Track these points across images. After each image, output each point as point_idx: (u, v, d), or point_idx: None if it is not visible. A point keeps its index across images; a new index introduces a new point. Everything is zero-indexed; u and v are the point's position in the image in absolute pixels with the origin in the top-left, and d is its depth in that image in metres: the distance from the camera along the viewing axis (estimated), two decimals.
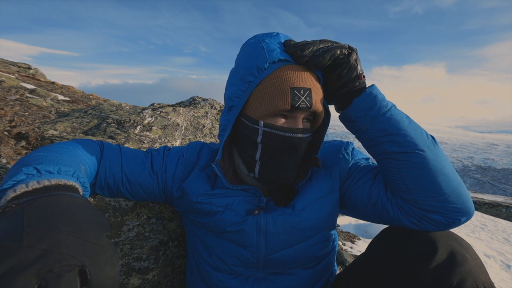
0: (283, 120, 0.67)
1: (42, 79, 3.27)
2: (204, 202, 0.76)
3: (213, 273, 0.79)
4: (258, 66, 0.66)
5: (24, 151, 1.23)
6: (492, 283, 0.56)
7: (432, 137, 0.68)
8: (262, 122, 0.67)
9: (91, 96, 3.08)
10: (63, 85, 3.17)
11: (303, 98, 0.63)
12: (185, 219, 0.88)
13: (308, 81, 0.65)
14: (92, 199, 0.79)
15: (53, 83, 3.16)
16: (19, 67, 3.98)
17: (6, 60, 4.00)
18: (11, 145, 1.24)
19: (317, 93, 0.67)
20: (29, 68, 4.12)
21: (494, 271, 2.33)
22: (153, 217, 0.90)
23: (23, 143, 1.28)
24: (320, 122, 0.73)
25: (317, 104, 0.66)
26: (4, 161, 1.16)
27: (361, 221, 3.55)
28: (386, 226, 0.77)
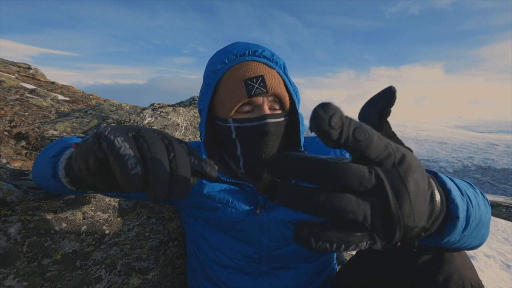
0: (249, 112, 0.71)
1: (42, 79, 3.27)
2: (205, 195, 0.77)
3: (218, 269, 0.79)
4: (212, 69, 0.73)
5: (24, 151, 1.23)
6: (479, 280, 0.55)
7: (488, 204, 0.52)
8: (231, 119, 0.71)
9: (91, 96, 3.08)
10: (63, 85, 3.17)
11: (256, 85, 0.68)
12: (185, 216, 0.89)
13: (259, 69, 0.70)
14: (93, 199, 0.79)
15: (53, 83, 3.16)
16: (19, 67, 3.98)
17: (6, 60, 4.00)
18: (11, 145, 1.24)
19: (272, 78, 0.70)
20: (29, 68, 4.12)
21: (494, 271, 2.33)
22: (153, 217, 0.90)
23: (23, 143, 1.27)
24: (288, 104, 0.75)
25: (275, 87, 0.70)
26: (4, 161, 1.16)
27: None
28: None
